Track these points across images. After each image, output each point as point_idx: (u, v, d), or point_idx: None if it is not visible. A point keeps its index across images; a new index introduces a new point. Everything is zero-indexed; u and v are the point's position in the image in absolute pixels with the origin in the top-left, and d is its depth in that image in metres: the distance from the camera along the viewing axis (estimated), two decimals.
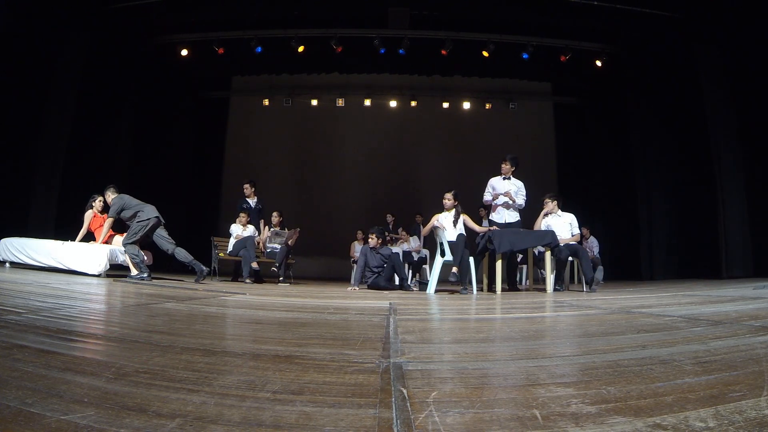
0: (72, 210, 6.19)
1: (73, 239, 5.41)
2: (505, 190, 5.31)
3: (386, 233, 7.42)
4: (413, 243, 7.88)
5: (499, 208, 5.38)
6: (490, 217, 5.53)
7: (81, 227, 5.53)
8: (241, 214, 6.54)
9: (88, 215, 5.58)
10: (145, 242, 5.17)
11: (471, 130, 10.43)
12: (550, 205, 5.57)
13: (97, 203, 5.59)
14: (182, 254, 5.08)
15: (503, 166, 5.41)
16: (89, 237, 5.55)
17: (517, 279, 5.84)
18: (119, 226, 5.47)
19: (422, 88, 10.19)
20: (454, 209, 5.10)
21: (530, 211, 5.64)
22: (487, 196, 5.46)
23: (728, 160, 6.87)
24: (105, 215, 5.45)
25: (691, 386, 0.88)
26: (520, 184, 5.43)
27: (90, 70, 7.18)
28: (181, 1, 7.67)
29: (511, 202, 5.32)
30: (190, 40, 8.50)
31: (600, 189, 9.35)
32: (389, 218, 8.55)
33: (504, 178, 5.41)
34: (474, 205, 7.07)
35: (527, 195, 5.46)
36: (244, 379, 0.97)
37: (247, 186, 6.96)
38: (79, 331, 1.55)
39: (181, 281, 5.19)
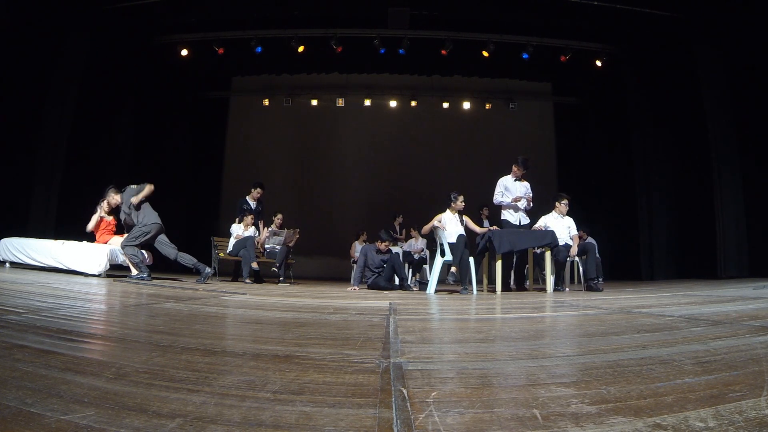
0: (72, 210, 6.19)
1: (73, 238, 5.40)
2: (524, 192, 5.42)
3: (392, 234, 7.42)
4: (421, 243, 7.86)
5: (519, 210, 5.44)
6: (503, 217, 5.54)
7: (82, 227, 5.51)
8: (249, 216, 6.53)
9: (95, 218, 5.54)
10: (146, 245, 5.16)
11: (471, 130, 10.42)
12: (564, 207, 5.54)
13: (105, 204, 5.56)
14: (186, 258, 5.05)
15: (515, 169, 5.45)
16: (90, 237, 5.53)
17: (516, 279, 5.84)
18: (120, 228, 5.46)
19: (422, 88, 10.17)
20: (457, 212, 5.13)
21: (532, 212, 5.66)
22: (500, 197, 5.48)
23: (727, 161, 6.87)
24: (112, 218, 5.46)
25: (691, 386, 0.88)
26: (528, 185, 5.52)
27: (90, 69, 7.17)
28: (181, 1, 7.66)
29: (530, 205, 5.44)
30: (190, 40, 8.49)
31: (600, 189, 9.34)
32: (399, 219, 8.48)
33: (515, 180, 5.45)
34: (475, 205, 7.07)
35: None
36: (244, 379, 0.97)
37: (258, 190, 6.88)
38: (79, 331, 1.55)
39: (181, 281, 5.19)
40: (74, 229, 5.58)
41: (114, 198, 5.24)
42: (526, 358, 1.29)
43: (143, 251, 5.13)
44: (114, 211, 5.42)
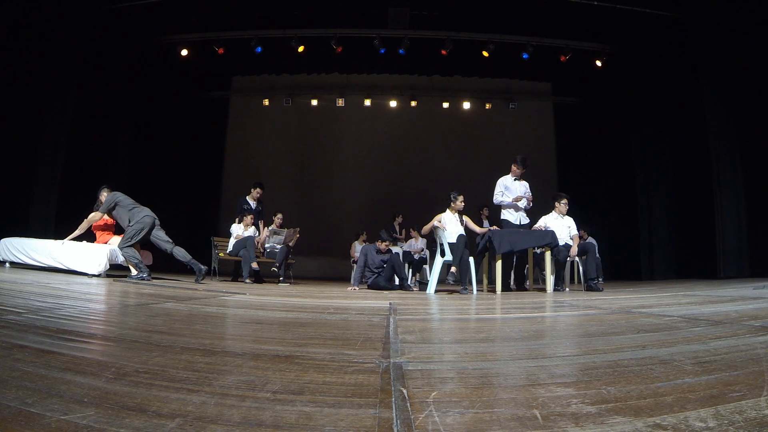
0: (72, 210, 6.18)
1: (73, 239, 5.39)
2: (524, 192, 5.41)
3: (392, 234, 7.41)
4: (421, 243, 7.85)
5: (519, 209, 5.44)
6: (502, 217, 5.52)
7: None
8: (248, 216, 6.53)
9: (90, 216, 5.53)
10: (144, 241, 5.17)
11: (471, 130, 10.42)
12: (564, 207, 5.54)
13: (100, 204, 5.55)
14: (181, 253, 5.08)
15: (515, 168, 5.43)
16: (91, 237, 5.52)
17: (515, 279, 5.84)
18: (120, 228, 5.45)
19: (422, 88, 10.17)
20: (457, 212, 5.14)
21: (531, 211, 5.66)
22: (499, 197, 5.46)
23: (727, 161, 6.87)
24: (105, 216, 5.43)
25: (691, 386, 0.88)
26: (527, 184, 5.52)
27: (90, 70, 7.16)
28: (181, 1, 7.66)
29: (530, 204, 5.43)
30: (190, 40, 8.49)
31: (600, 189, 9.34)
32: (399, 219, 8.48)
33: (515, 179, 5.44)
34: (475, 205, 7.06)
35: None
36: (244, 379, 0.97)
37: (258, 190, 6.87)
38: (79, 331, 1.54)
39: (181, 281, 5.19)
40: (74, 230, 5.56)
41: (105, 196, 5.24)
42: (526, 358, 1.29)
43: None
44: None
